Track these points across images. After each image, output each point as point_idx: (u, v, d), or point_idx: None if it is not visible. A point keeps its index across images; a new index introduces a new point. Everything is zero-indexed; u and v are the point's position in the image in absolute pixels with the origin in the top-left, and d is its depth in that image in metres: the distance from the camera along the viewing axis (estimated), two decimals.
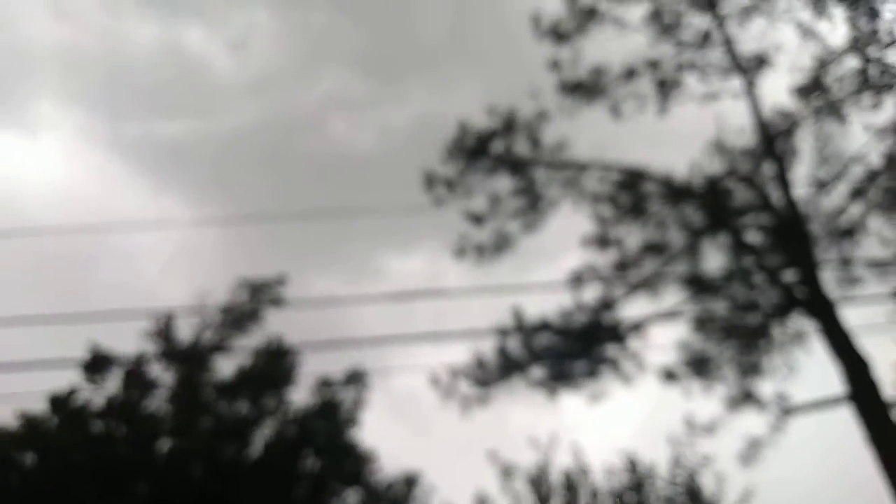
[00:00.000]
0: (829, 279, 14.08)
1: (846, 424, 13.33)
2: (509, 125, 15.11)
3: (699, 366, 14.55)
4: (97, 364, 14.36)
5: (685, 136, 16.03)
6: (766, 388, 14.43)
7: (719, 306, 14.42)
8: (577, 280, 14.70)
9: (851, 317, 13.70)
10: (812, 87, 14.45)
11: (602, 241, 14.89)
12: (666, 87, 15.50)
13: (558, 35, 15.54)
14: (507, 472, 15.34)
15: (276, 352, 14.96)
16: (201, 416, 14.40)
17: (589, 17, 15.62)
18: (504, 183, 15.20)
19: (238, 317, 15.05)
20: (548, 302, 14.18)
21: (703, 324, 14.53)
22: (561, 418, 15.05)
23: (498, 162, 15.07)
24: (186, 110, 47.68)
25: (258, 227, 14.04)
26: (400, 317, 12.78)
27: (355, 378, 15.66)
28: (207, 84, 46.93)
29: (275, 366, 14.98)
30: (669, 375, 14.51)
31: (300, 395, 15.29)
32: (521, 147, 15.16)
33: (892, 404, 13.17)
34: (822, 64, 14.24)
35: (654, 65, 15.55)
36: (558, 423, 15.61)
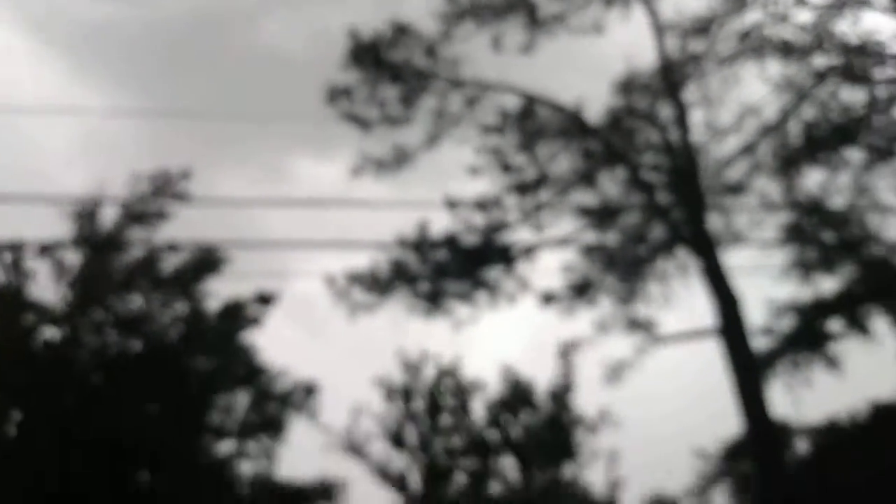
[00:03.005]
0: (713, 221, 14.99)
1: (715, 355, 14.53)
2: (401, 35, 15.04)
3: (580, 290, 15.19)
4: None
5: (596, 70, 16.22)
6: (641, 314, 15.22)
7: (609, 236, 15.07)
8: (478, 204, 15.01)
9: (731, 258, 14.82)
10: (705, 30, 14.88)
11: (501, 167, 15.18)
12: (541, 20, 15.47)
13: None
14: (387, 387, 15.71)
15: (176, 249, 14.68)
16: (92, 308, 14.11)
17: None
18: (398, 91, 15.17)
19: (140, 210, 14.66)
20: (455, 219, 14.51)
21: (590, 251, 15.15)
22: (455, 333, 15.49)
23: (395, 72, 15.02)
24: None
25: (173, 122, 13.60)
26: (309, 223, 12.81)
27: (263, 297, 15.61)
28: None
29: (176, 264, 14.75)
30: (548, 298, 15.11)
31: (204, 294, 15.17)
32: (420, 60, 15.14)
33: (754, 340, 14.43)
34: (722, 12, 14.61)
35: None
36: (450, 337, 16.10)
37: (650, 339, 14.93)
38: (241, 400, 15.46)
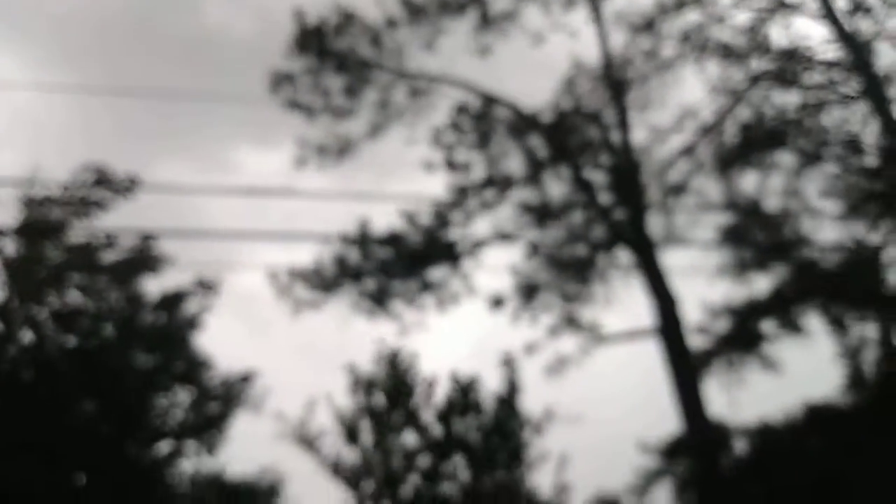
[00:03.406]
0: (653, 221, 15.31)
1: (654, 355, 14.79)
2: (347, 22, 15.08)
3: (527, 292, 15.34)
4: None
5: (542, 68, 16.40)
6: (585, 315, 15.43)
7: (552, 234, 15.26)
8: (432, 204, 15.06)
9: (670, 258, 15.14)
10: (646, 28, 15.23)
11: (447, 163, 15.28)
12: (495, 20, 15.65)
13: None
14: (355, 377, 15.55)
15: (115, 239, 14.40)
16: (27, 301, 13.76)
17: None
18: (343, 81, 15.20)
19: (79, 199, 14.36)
20: (402, 213, 14.54)
21: (534, 251, 15.32)
22: (399, 331, 15.46)
23: (339, 59, 15.03)
24: None
25: (112, 102, 13.38)
26: (251, 213, 12.70)
27: (204, 286, 15.38)
28: None
29: (114, 255, 14.47)
30: (497, 302, 15.23)
31: (142, 287, 14.90)
32: (364, 49, 15.19)
33: (691, 340, 14.74)
34: (661, 10, 15.06)
35: None
36: (396, 336, 16.06)
37: (593, 339, 15.09)
38: (181, 396, 15.20)
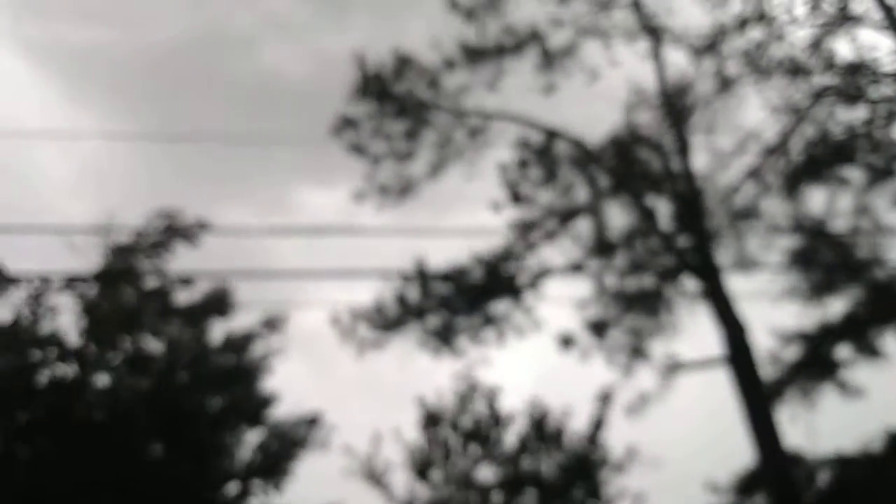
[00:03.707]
0: (719, 247, 15.00)
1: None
2: (405, 67, 15.28)
3: (597, 329, 15.17)
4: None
5: (602, 98, 16.37)
6: (656, 347, 15.20)
7: (617, 265, 15.08)
8: (492, 237, 15.06)
9: (738, 284, 14.78)
10: (707, 50, 15.08)
11: (511, 198, 15.28)
12: (555, 58, 15.70)
13: (470, 12, 15.60)
14: (427, 412, 15.46)
15: (188, 282, 14.68)
16: (102, 345, 14.09)
17: None
18: (404, 125, 15.40)
19: (152, 244, 14.73)
20: (461, 248, 14.55)
21: (600, 283, 15.16)
22: (466, 366, 15.38)
23: (399, 103, 15.21)
24: (110, 16, 44.70)
25: (173, 147, 13.79)
26: (313, 252, 12.85)
27: (271, 323, 15.56)
28: None
29: (186, 299, 14.77)
30: (566, 341, 15.06)
31: (212, 329, 15.14)
32: (423, 91, 15.37)
33: (762, 368, 14.31)
34: (722, 31, 14.87)
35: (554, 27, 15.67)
36: (462, 370, 15.95)
37: (670, 373, 14.82)
38: (250, 437, 15.29)
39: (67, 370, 13.88)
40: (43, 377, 13.87)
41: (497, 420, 15.14)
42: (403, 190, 15.33)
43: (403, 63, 15.20)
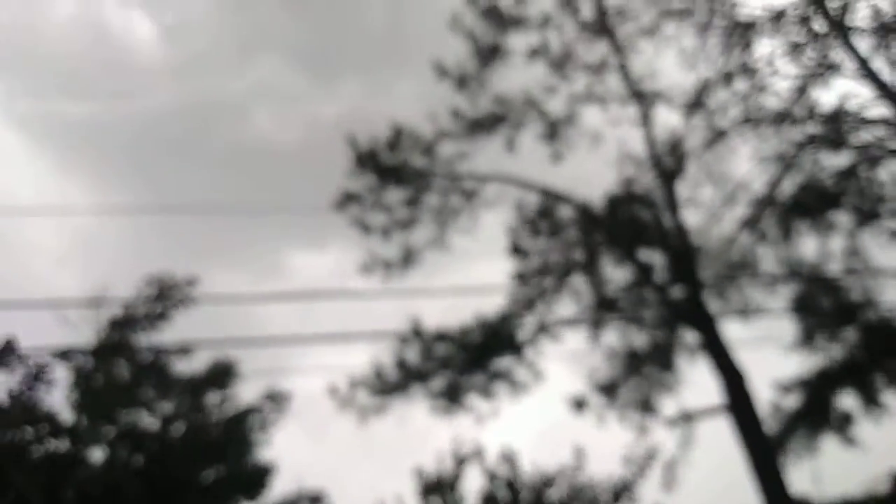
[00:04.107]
0: (714, 297, 15.06)
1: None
2: (400, 138, 15.60)
3: (606, 390, 15.20)
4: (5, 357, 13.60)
5: (597, 156, 16.64)
6: (663, 401, 15.22)
7: (615, 320, 15.09)
8: (490, 295, 15.10)
9: (734, 332, 14.77)
10: (694, 106, 15.35)
11: (510, 255, 15.41)
12: (558, 127, 16.14)
13: (461, 80, 16.12)
14: (425, 484, 15.24)
15: (183, 353, 14.53)
16: (97, 418, 13.88)
17: (491, 56, 16.19)
18: (402, 195, 15.68)
19: (145, 313, 14.61)
20: (453, 307, 14.56)
21: (601, 341, 15.19)
22: (464, 424, 15.23)
23: (396, 173, 15.44)
24: (100, 90, 45.13)
25: (165, 217, 13.79)
26: (306, 316, 12.76)
27: (274, 398, 15.39)
28: (127, 64, 44.62)
29: (181, 369, 14.62)
30: (579, 404, 15.04)
31: (210, 399, 14.91)
32: (418, 160, 15.68)
33: (764, 415, 14.21)
34: (706, 86, 15.17)
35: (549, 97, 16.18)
36: (461, 428, 15.79)
37: (683, 423, 14.72)
38: None
39: (60, 445, 13.67)
40: (37, 452, 13.64)
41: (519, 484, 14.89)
42: (407, 260, 15.46)
43: (398, 134, 15.52)
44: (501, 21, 16.14)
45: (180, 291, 14.88)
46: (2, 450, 12.94)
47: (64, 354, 13.81)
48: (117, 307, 14.40)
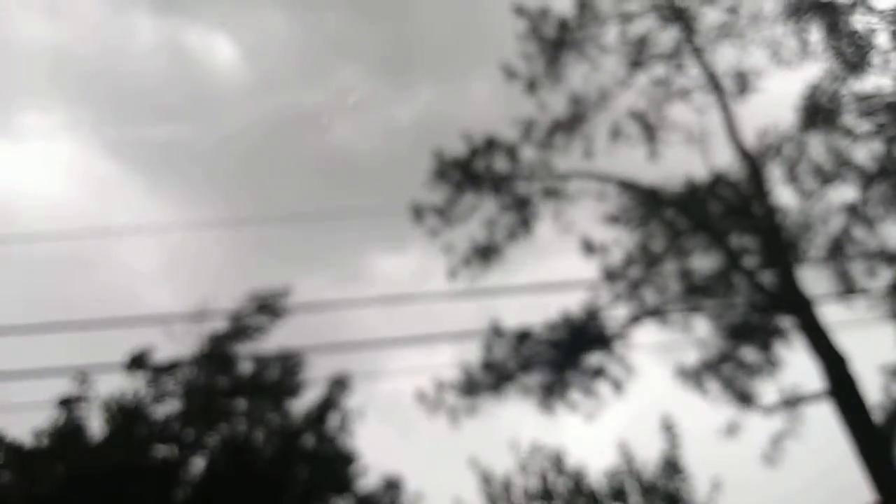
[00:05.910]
0: (808, 278, 14.49)
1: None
2: (487, 148, 15.70)
3: (710, 368, 14.93)
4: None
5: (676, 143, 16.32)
6: (763, 384, 14.80)
7: (708, 307, 14.76)
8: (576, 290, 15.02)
9: (833, 314, 14.17)
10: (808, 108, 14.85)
11: (590, 248, 15.27)
12: (651, 128, 15.98)
13: (530, 85, 16.11)
14: (486, 479, 15.29)
15: (279, 360, 15.01)
16: (198, 426, 14.51)
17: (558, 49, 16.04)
18: (484, 200, 15.82)
19: (244, 326, 15.19)
20: (536, 304, 14.51)
21: (692, 330, 14.89)
22: (553, 421, 15.16)
23: (479, 181, 15.55)
24: (185, 112, 47.44)
25: (253, 229, 14.32)
26: (390, 319, 13.00)
27: (339, 384, 15.69)
28: (209, 85, 46.70)
29: (273, 376, 15.08)
30: (686, 374, 14.86)
31: (293, 402, 15.38)
32: (501, 165, 15.75)
33: (870, 401, 13.54)
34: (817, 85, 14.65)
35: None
36: (551, 426, 15.71)
37: (790, 406, 14.32)
38: None
39: (168, 452, 14.35)
40: (149, 458, 14.36)
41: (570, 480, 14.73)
42: (490, 259, 15.57)
43: (487, 144, 15.63)
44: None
45: (276, 302, 15.38)
46: (120, 450, 13.69)
47: (171, 366, 14.48)
48: (218, 320, 15.00)
